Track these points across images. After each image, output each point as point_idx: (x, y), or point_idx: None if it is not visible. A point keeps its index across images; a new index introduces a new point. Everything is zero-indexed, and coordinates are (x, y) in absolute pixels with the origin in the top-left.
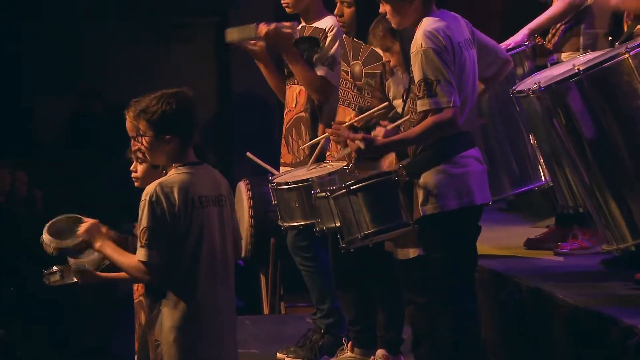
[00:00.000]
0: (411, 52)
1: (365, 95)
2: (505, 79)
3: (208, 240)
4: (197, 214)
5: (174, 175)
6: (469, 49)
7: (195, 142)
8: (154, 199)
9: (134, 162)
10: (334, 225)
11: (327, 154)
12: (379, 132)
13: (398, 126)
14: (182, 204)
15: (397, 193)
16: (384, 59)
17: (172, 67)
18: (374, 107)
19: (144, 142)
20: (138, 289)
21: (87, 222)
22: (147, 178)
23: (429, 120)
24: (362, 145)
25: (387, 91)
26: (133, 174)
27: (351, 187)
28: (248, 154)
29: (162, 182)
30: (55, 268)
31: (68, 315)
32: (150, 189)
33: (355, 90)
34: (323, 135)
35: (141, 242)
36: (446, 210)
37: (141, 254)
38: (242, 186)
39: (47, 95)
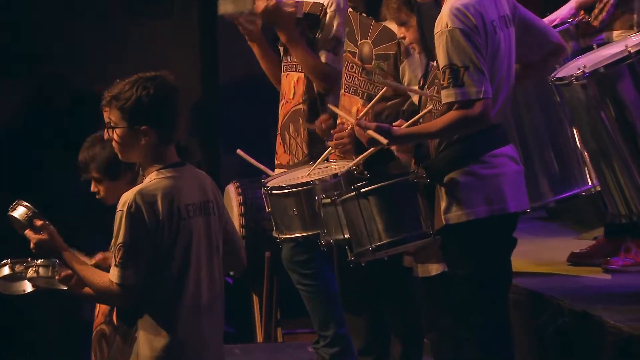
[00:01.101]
0: (435, 32)
1: (376, 80)
2: None
3: (195, 256)
4: (183, 226)
5: (156, 180)
6: (504, 28)
7: (179, 139)
8: (132, 209)
9: (92, 183)
10: (342, 237)
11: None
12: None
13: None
14: (167, 215)
15: (415, 198)
16: (398, 34)
17: (147, 48)
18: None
19: (116, 135)
20: (98, 315)
21: (36, 238)
22: (113, 194)
23: (454, 114)
24: (383, 140)
25: (402, 76)
26: (97, 196)
27: (361, 190)
28: (238, 151)
29: (142, 189)
30: (36, 262)
31: (27, 340)
32: (128, 197)
33: (363, 75)
34: (327, 151)
35: (115, 260)
36: (474, 219)
37: (115, 274)
38: (231, 190)
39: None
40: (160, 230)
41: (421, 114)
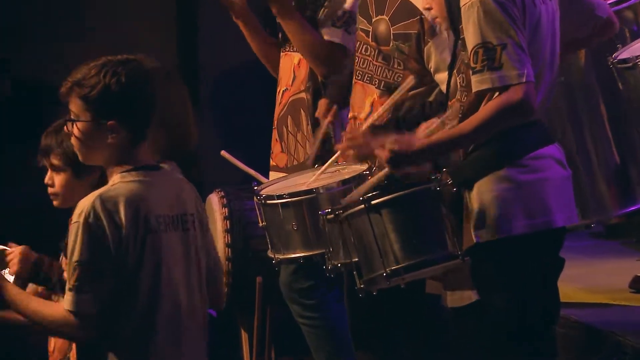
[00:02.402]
0: (462, 3)
1: (395, 66)
2: (605, 42)
3: (167, 279)
4: (151, 241)
5: (120, 184)
6: (546, 0)
7: (160, 140)
8: (91, 219)
9: (49, 172)
10: (349, 260)
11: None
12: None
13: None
14: (132, 227)
15: (439, 210)
16: (424, 3)
17: (112, 31)
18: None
19: (77, 130)
20: (54, 352)
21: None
22: (70, 193)
23: (492, 106)
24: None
25: (427, 60)
26: (50, 189)
27: (372, 202)
28: (223, 152)
29: (102, 195)
30: None
31: None
32: (85, 204)
33: (380, 60)
34: (336, 155)
35: (70, 284)
36: (511, 236)
37: (69, 300)
38: (215, 200)
39: None
40: (124, 244)
41: (448, 113)
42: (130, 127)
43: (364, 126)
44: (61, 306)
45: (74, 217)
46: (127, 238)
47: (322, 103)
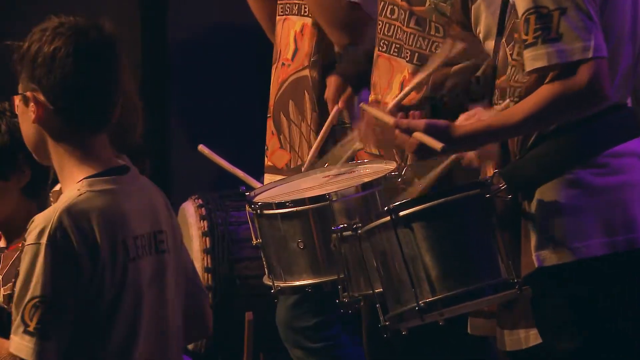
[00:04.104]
0: None
1: (432, 32)
2: None
3: (147, 319)
4: (132, 271)
5: (87, 194)
6: None
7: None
8: (59, 239)
9: None
10: (371, 290)
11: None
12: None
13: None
14: (109, 251)
15: (489, 225)
16: None
17: (66, 3)
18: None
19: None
20: None
21: None
22: None
23: (548, 90)
24: (437, 145)
25: (475, 24)
26: None
27: (400, 214)
28: (201, 147)
29: (69, 208)
30: None
31: None
32: (48, 219)
33: (412, 25)
34: (350, 137)
35: (27, 324)
36: (585, 258)
37: (25, 346)
38: (190, 210)
39: None
40: (100, 275)
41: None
42: (78, 116)
43: (390, 106)
44: (10, 348)
45: (31, 238)
46: (103, 266)
47: (332, 82)
